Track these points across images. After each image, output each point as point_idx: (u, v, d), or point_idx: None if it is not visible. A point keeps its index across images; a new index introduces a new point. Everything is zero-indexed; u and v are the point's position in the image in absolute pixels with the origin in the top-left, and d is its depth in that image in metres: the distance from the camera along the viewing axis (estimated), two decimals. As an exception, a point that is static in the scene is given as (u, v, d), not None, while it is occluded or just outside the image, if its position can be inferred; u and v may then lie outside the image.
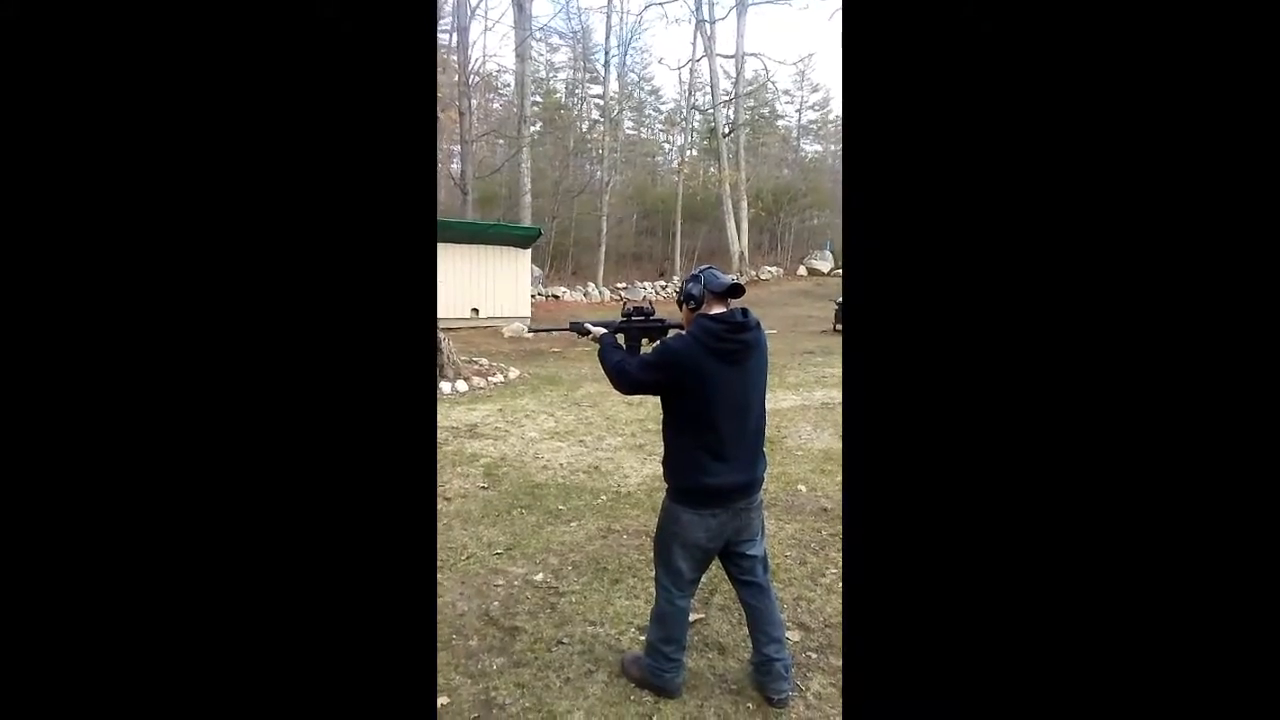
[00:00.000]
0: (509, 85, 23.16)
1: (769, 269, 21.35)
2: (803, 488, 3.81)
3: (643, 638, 2.06)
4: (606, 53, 23.57)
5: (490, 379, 7.47)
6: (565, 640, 2.22)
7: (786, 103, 29.42)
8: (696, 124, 25.15)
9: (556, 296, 17.15)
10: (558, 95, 26.14)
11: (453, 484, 3.90)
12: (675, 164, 24.39)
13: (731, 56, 22.06)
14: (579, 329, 2.12)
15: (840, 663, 2.11)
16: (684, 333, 1.85)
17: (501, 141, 20.73)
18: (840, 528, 3.16)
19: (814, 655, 2.14)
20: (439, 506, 3.52)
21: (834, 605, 2.47)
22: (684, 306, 1.88)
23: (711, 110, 22.46)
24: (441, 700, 1.90)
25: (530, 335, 11.33)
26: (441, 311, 8.02)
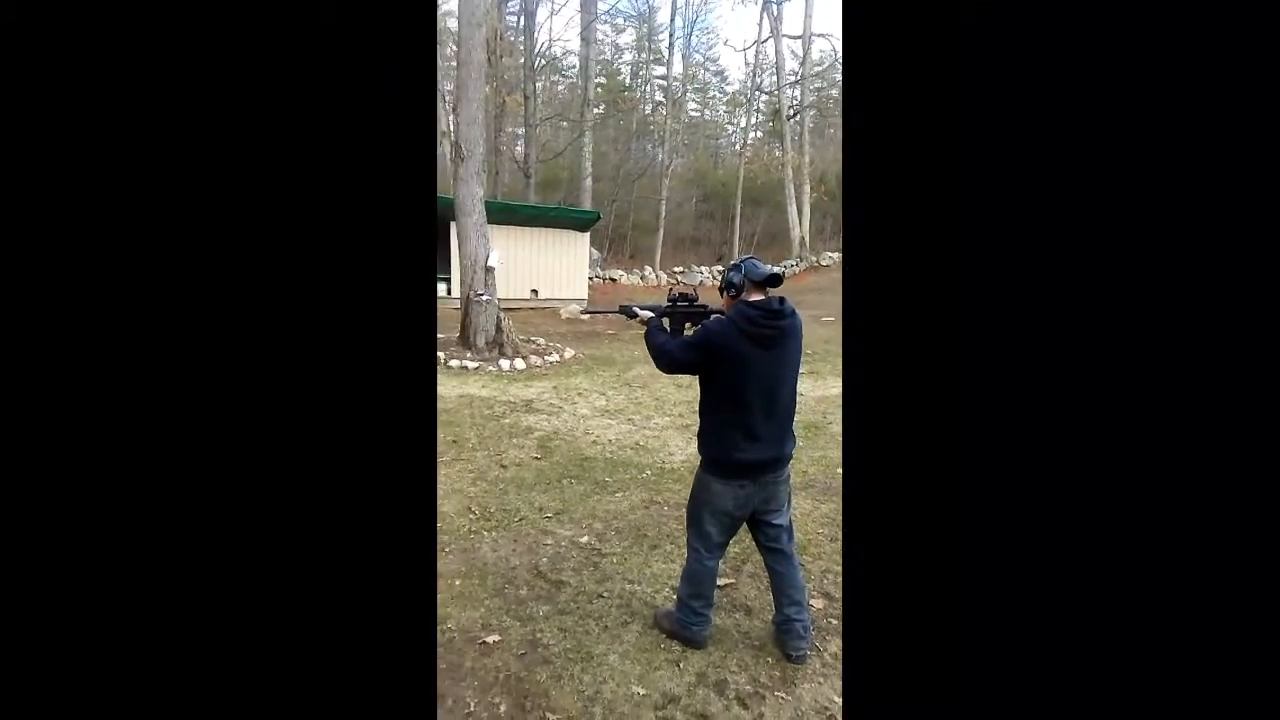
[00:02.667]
0: (573, 68, 23.40)
1: (830, 255, 20.99)
2: (842, 471, 3.92)
3: (676, 596, 2.26)
4: (671, 34, 23.47)
5: (546, 358, 7.77)
6: (605, 594, 2.44)
7: (855, 84, 28.54)
8: (761, 106, 24.80)
9: (614, 279, 17.40)
10: (622, 77, 26.23)
11: (509, 454, 4.18)
12: (738, 146, 24.17)
13: (799, 37, 21.62)
14: (627, 312, 2.30)
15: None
16: (723, 317, 2.00)
17: (565, 125, 21.03)
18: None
19: (834, 622, 2.29)
20: (496, 474, 3.80)
21: (859, 580, 2.61)
22: (725, 293, 2.03)
23: (776, 92, 22.11)
24: (493, 638, 2.15)
25: (585, 317, 11.63)
26: (502, 292, 8.37)
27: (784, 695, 1.91)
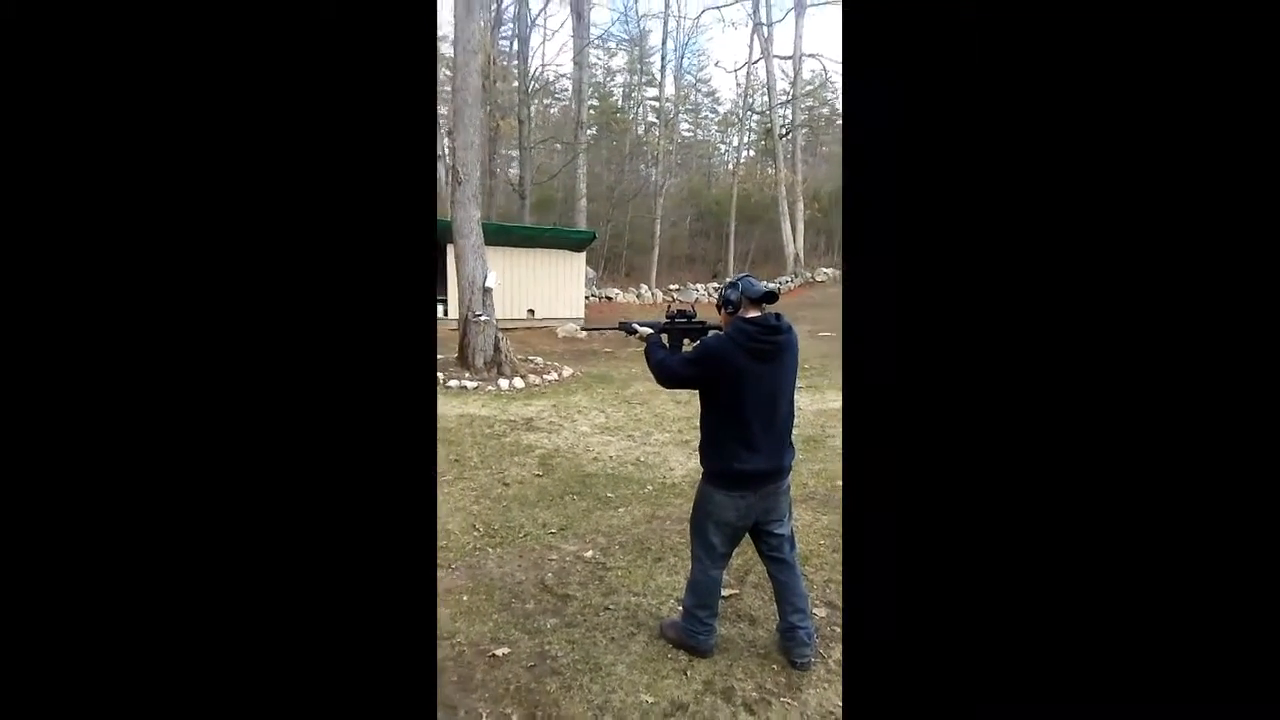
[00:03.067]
0: (566, 90, 23.75)
1: (825, 271, 21.15)
2: (841, 484, 3.97)
3: (681, 607, 2.30)
4: (663, 57, 23.85)
5: (545, 376, 7.82)
6: (611, 607, 2.48)
7: (845, 102, 29.08)
8: (753, 125, 25.16)
9: (609, 298, 17.50)
10: (614, 99, 26.60)
11: (511, 471, 4.22)
12: (731, 165, 24.48)
13: (789, 58, 21.99)
14: (627, 329, 2.37)
15: (861, 637, 2.30)
16: (722, 333, 2.07)
17: (559, 146, 21.29)
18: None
19: (837, 629, 2.33)
20: (498, 491, 3.84)
21: (860, 588, 2.66)
22: (723, 310, 2.10)
23: (768, 112, 22.46)
24: (502, 650, 2.18)
25: (584, 335, 11.71)
26: (499, 312, 8.43)
27: (790, 701, 1.95)
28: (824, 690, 2.00)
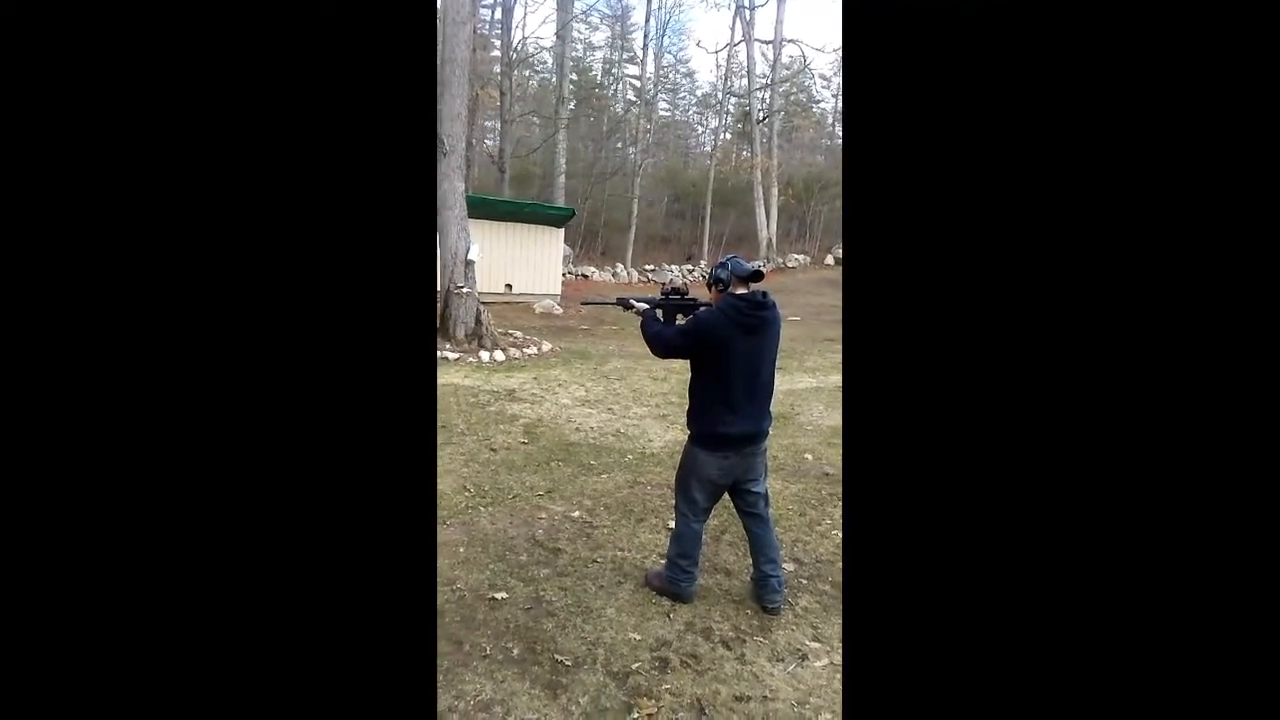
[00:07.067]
0: (545, 62, 23.47)
1: (796, 257, 21.52)
2: (809, 456, 4.23)
3: (664, 562, 2.51)
4: (646, 35, 23.69)
5: (525, 350, 7.96)
6: (599, 560, 2.69)
7: (823, 88, 29.34)
8: (731, 108, 25.25)
9: (586, 276, 17.59)
10: (594, 74, 26.37)
11: (497, 438, 4.39)
12: (708, 148, 24.54)
13: (770, 42, 22.10)
14: (624, 303, 2.55)
15: (824, 589, 2.55)
16: (713, 308, 2.26)
17: (537, 121, 21.11)
18: (836, 488, 3.58)
19: (805, 581, 2.58)
20: (486, 456, 4.00)
21: (824, 547, 2.92)
22: (713, 288, 2.30)
23: (747, 96, 22.56)
24: (501, 595, 2.38)
25: (559, 311, 11.82)
26: (478, 285, 8.50)
27: (762, 639, 2.18)
28: (792, 631, 2.24)
